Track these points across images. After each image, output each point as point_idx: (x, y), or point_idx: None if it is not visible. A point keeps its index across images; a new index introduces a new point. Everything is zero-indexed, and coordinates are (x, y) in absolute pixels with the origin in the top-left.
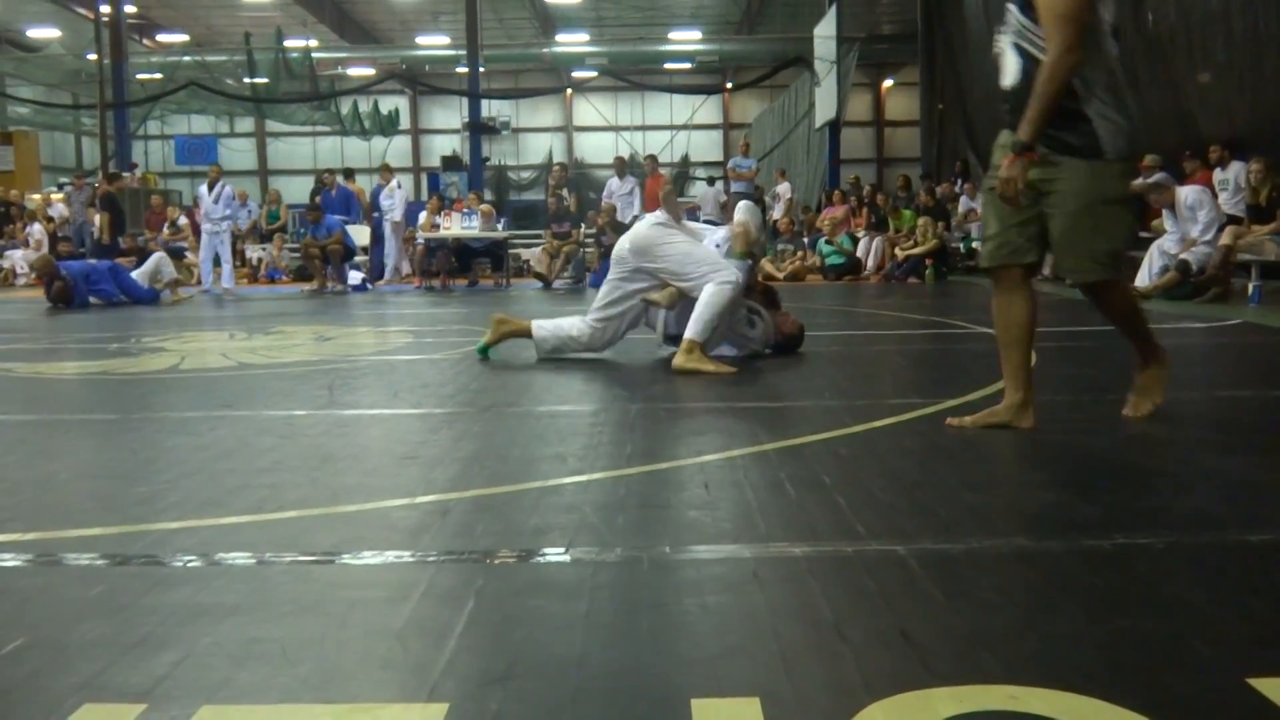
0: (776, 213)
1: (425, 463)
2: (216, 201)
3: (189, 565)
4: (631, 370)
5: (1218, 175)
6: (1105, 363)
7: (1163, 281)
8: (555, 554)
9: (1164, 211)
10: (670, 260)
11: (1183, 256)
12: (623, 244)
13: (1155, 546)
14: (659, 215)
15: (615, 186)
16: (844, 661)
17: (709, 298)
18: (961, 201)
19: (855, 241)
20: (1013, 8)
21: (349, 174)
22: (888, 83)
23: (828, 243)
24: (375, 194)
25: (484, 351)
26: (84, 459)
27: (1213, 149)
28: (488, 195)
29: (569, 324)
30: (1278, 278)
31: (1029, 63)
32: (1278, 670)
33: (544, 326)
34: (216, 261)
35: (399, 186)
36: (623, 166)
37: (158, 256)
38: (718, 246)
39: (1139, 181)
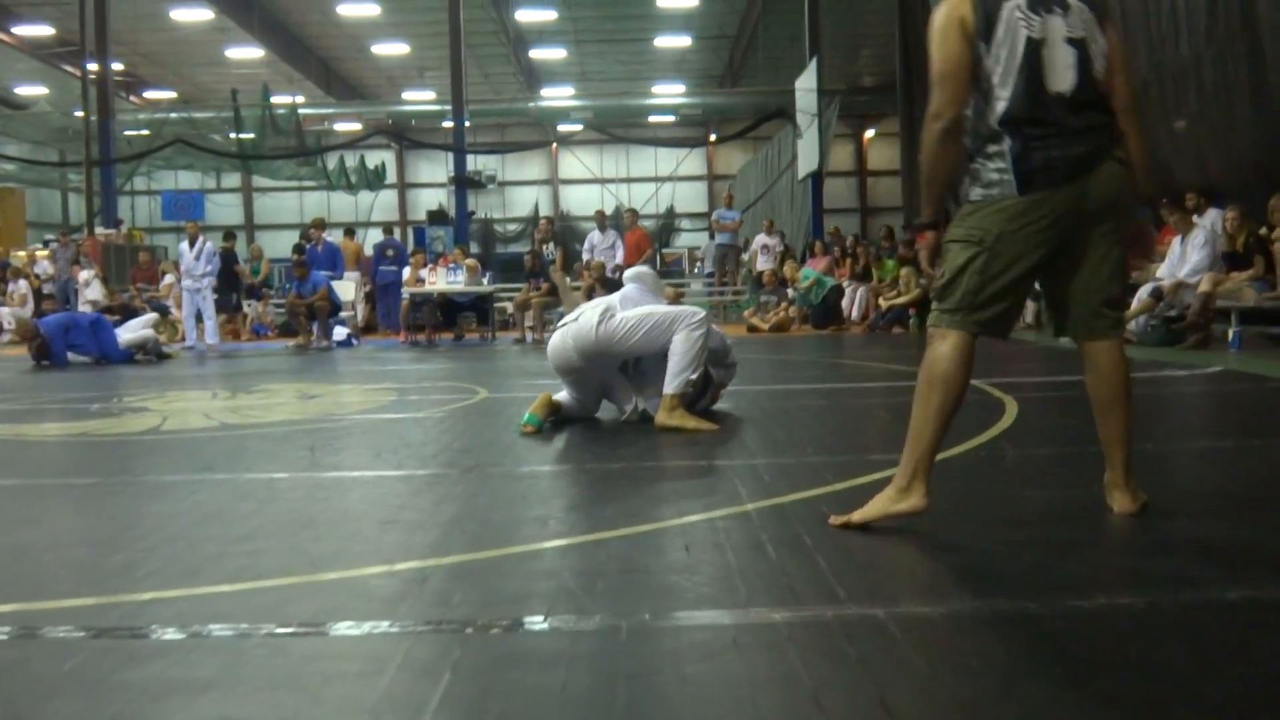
0: (762, 264)
1: (405, 527)
2: (198, 258)
3: (164, 638)
4: (614, 428)
5: (1195, 221)
6: (1084, 413)
7: (1138, 308)
8: (533, 623)
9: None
10: (637, 337)
11: (1155, 286)
12: (569, 354)
13: (1135, 606)
14: (592, 309)
15: (597, 240)
16: None
17: (678, 347)
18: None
19: (840, 291)
20: (1083, 6)
21: (349, 231)
22: (869, 133)
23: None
24: (398, 246)
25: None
26: (62, 526)
27: (1189, 197)
28: (474, 248)
29: (562, 395)
30: (1257, 324)
31: (1092, 69)
32: None
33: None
34: (200, 317)
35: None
36: (603, 220)
37: (149, 334)
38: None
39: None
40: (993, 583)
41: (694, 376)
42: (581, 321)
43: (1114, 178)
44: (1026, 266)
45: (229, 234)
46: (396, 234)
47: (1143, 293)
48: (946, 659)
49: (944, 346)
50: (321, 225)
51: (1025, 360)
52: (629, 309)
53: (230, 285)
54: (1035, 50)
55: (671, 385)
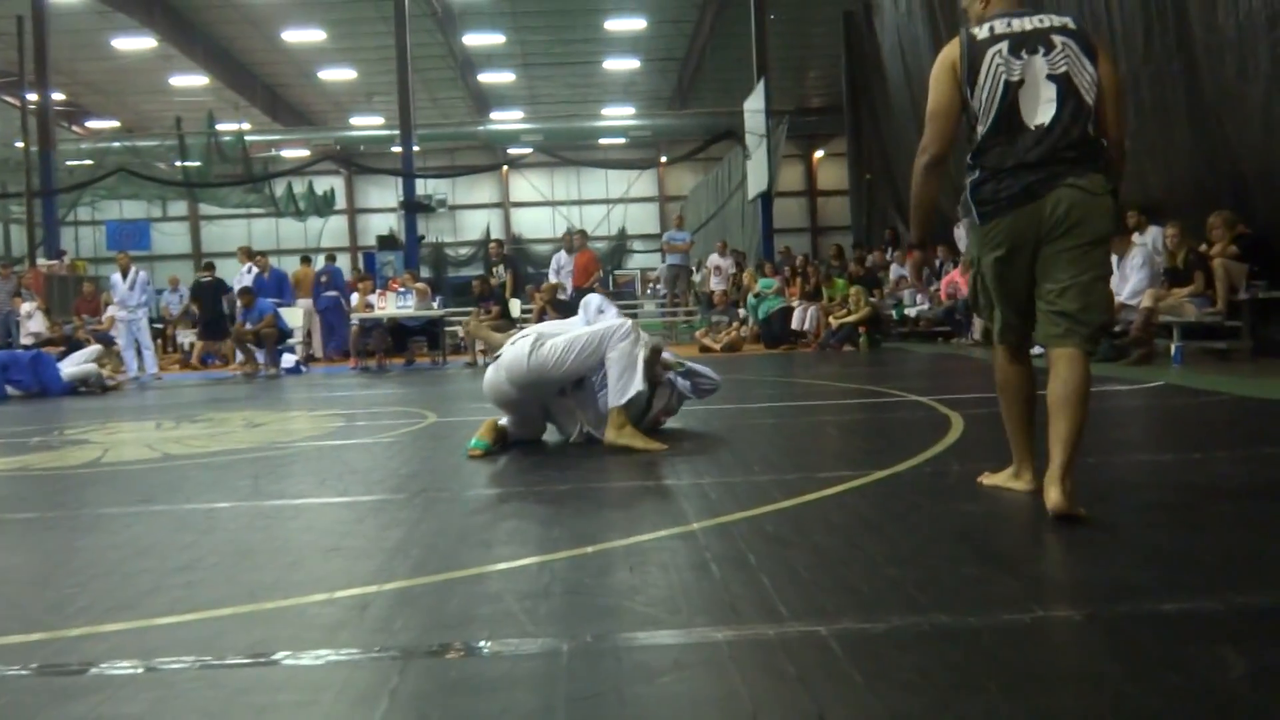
0: (715, 285)
1: (348, 554)
2: (131, 288)
3: (96, 673)
4: (562, 450)
5: (1135, 240)
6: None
7: None
8: (475, 647)
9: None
10: (569, 361)
11: None
12: (503, 387)
13: (1074, 619)
14: (523, 339)
15: (563, 260)
16: None
17: (615, 360)
18: (893, 270)
19: (788, 311)
20: (1069, 41)
21: (305, 259)
22: (819, 154)
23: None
24: (334, 272)
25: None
26: None
27: (1130, 215)
28: (425, 273)
29: (505, 420)
30: (1198, 339)
31: (1075, 102)
32: None
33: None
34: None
35: (248, 270)
36: (570, 241)
37: (89, 369)
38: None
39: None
40: (933, 598)
41: (641, 387)
42: (513, 352)
43: (1067, 202)
44: (1002, 280)
45: (209, 264)
46: (343, 260)
47: None
48: (886, 675)
49: (998, 359)
50: (249, 253)
51: (973, 376)
52: (555, 329)
53: (217, 321)
54: (1012, 91)
55: (617, 398)
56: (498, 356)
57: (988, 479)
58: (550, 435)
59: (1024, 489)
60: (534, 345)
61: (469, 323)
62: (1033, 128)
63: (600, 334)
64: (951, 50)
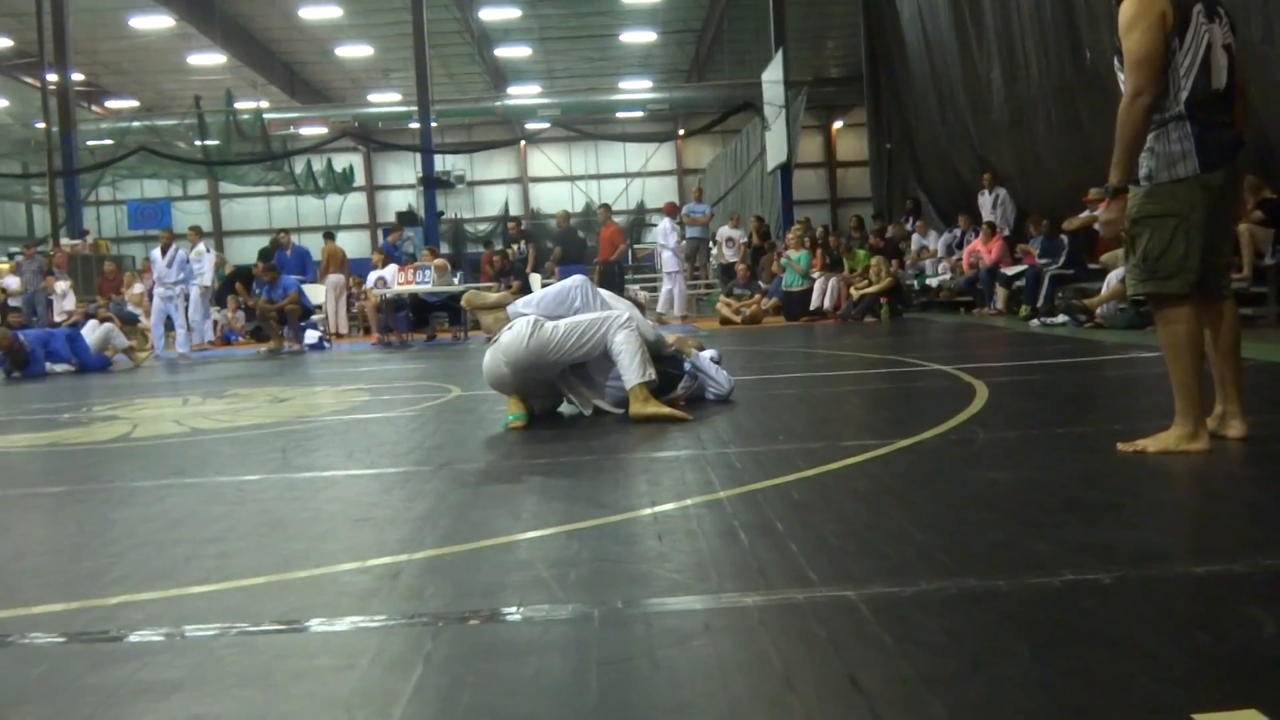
0: (729, 256)
1: (377, 524)
2: (170, 265)
3: (133, 641)
4: (589, 422)
5: None
6: (1053, 396)
7: (1108, 294)
8: (506, 613)
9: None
10: (569, 345)
11: (1122, 271)
12: (500, 370)
13: (1102, 582)
14: (519, 321)
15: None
16: (793, 713)
17: (621, 347)
18: (914, 240)
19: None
20: (1226, 16)
21: (329, 234)
22: (838, 124)
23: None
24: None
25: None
26: (29, 534)
27: None
28: (444, 249)
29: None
30: None
31: (1234, 75)
32: (1221, 705)
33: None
34: (170, 325)
35: (206, 250)
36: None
37: (106, 328)
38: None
39: (1076, 217)
40: (961, 562)
41: (652, 371)
42: (510, 335)
43: (1243, 163)
44: (1210, 229)
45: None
46: (361, 237)
47: (1112, 278)
48: (916, 638)
49: (1180, 313)
50: (199, 233)
51: (996, 346)
52: (555, 314)
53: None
54: (1209, 52)
55: (635, 378)
56: (495, 339)
57: (1149, 444)
58: (566, 408)
59: (1201, 449)
60: (534, 327)
61: (469, 294)
62: (1220, 90)
63: (602, 320)
64: (1159, 0)
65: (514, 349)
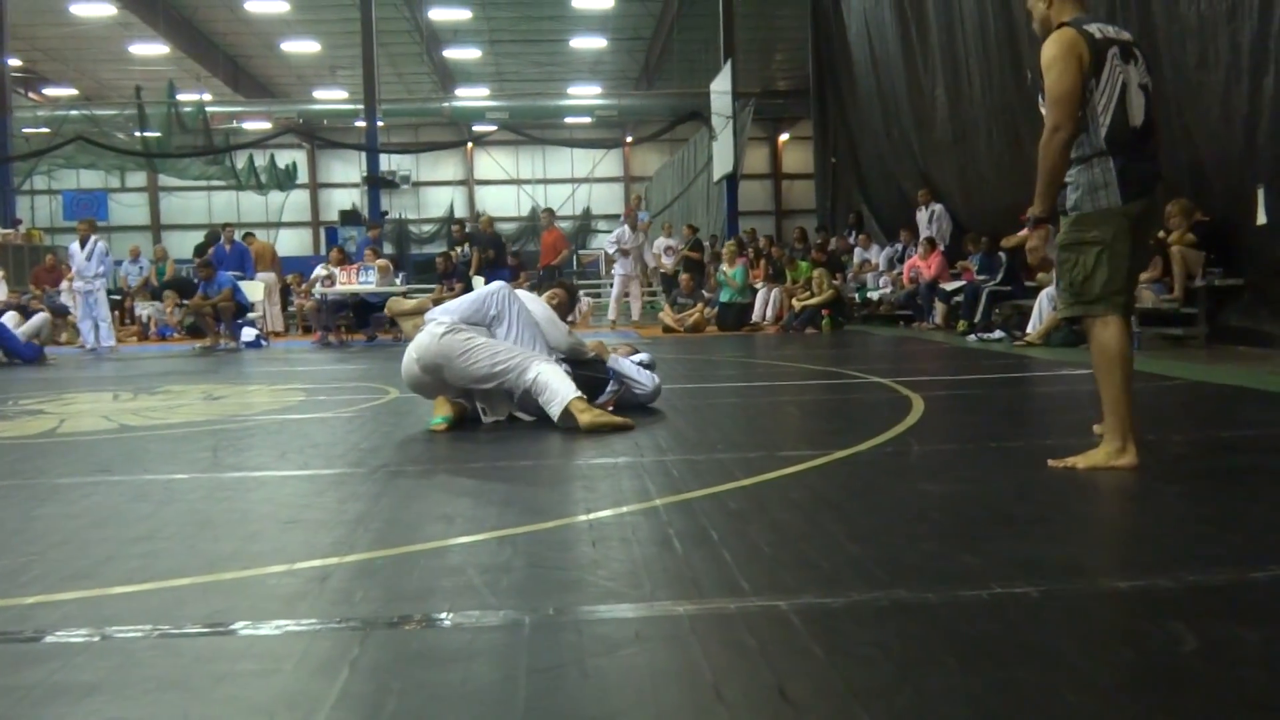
0: (667, 263)
1: (308, 526)
2: (89, 258)
3: (49, 641)
4: (525, 427)
5: None
6: (987, 410)
7: (1045, 326)
8: (436, 619)
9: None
10: (474, 363)
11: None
12: (411, 368)
13: (1030, 596)
14: (433, 325)
15: (626, 236)
16: None
17: (545, 380)
18: (856, 253)
19: (753, 290)
20: (1142, 57)
21: (247, 235)
22: (784, 136)
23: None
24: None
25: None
26: None
27: None
28: (388, 249)
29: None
30: (1155, 325)
31: (1151, 114)
32: (1144, 719)
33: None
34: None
35: (96, 244)
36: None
37: (41, 317)
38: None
39: (1014, 236)
40: (893, 574)
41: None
42: (423, 336)
43: (1160, 197)
44: (1133, 256)
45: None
46: (304, 235)
47: (1043, 298)
48: (845, 649)
49: (1111, 330)
50: (93, 226)
51: (933, 360)
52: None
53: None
54: (1124, 92)
55: (569, 393)
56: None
57: (1078, 462)
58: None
59: (1128, 464)
60: (448, 330)
61: (390, 300)
62: (1138, 126)
63: (521, 361)
64: (1075, 41)
65: (424, 345)
